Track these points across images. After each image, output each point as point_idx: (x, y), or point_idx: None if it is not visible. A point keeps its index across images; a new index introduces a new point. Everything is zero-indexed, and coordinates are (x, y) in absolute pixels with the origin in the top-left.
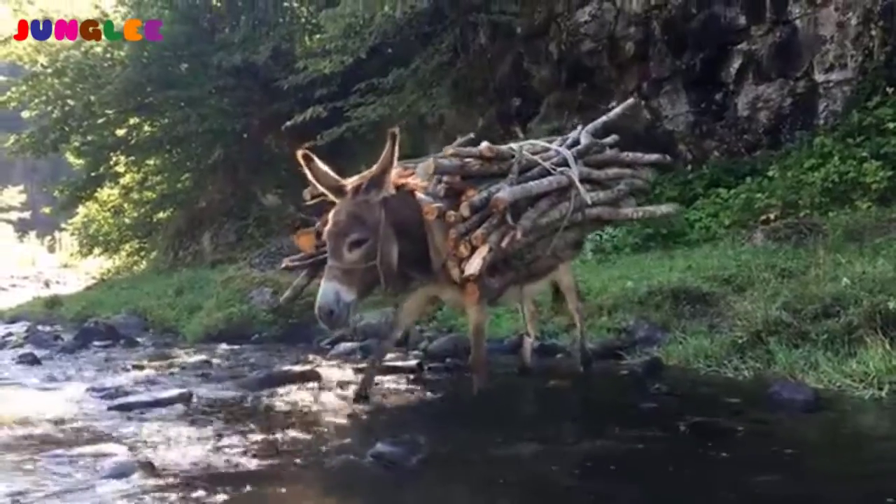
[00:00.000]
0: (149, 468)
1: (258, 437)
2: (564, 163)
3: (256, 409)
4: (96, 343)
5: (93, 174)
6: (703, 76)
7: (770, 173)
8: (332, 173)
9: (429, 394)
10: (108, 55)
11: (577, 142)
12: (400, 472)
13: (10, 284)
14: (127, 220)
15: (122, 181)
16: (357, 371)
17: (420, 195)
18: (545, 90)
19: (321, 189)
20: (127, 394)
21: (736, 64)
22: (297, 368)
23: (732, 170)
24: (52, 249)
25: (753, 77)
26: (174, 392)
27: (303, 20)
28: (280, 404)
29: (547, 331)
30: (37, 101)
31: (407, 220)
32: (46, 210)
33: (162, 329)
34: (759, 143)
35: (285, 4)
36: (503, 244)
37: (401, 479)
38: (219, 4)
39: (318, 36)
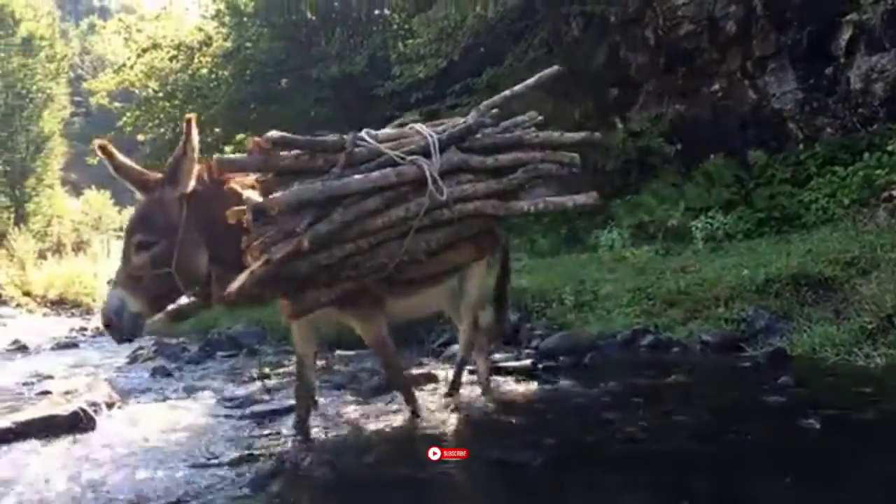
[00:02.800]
0: (285, 475)
1: (382, 441)
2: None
3: (379, 414)
4: (220, 353)
5: None
6: (811, 51)
7: (890, 147)
8: (135, 167)
9: (545, 394)
10: (214, 76)
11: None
12: (525, 473)
13: None
14: None
15: None
16: (470, 371)
17: (249, 194)
18: (643, 77)
19: (129, 186)
20: (256, 402)
21: (846, 35)
22: (414, 372)
23: (848, 146)
24: None
25: (866, 48)
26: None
27: (395, 27)
28: (400, 408)
29: (661, 324)
30: (150, 124)
31: (227, 222)
32: None
33: (279, 338)
34: (876, 116)
35: (376, 12)
36: (282, 255)
37: (526, 481)
38: (314, 19)
39: (410, 41)
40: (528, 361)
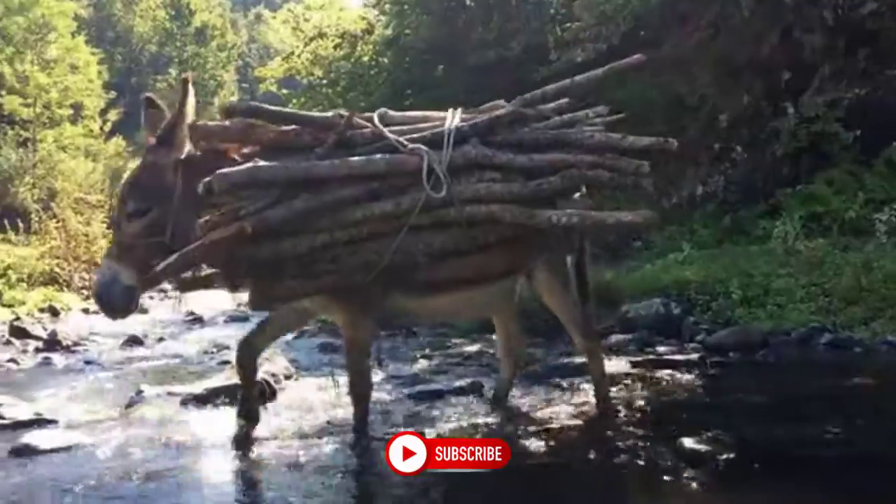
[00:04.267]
0: None
1: (549, 428)
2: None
3: (543, 400)
4: (381, 332)
5: None
6: None
7: None
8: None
9: (715, 389)
10: (374, 63)
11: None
12: (708, 471)
13: None
14: None
15: None
16: (633, 364)
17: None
18: (819, 60)
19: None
20: (422, 382)
21: None
22: (576, 360)
23: None
24: None
25: None
26: (465, 382)
27: (552, 11)
28: (565, 396)
29: (839, 323)
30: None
31: None
32: None
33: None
34: None
35: None
36: (219, 239)
37: (712, 480)
38: (472, 5)
39: (569, 25)
40: (695, 356)
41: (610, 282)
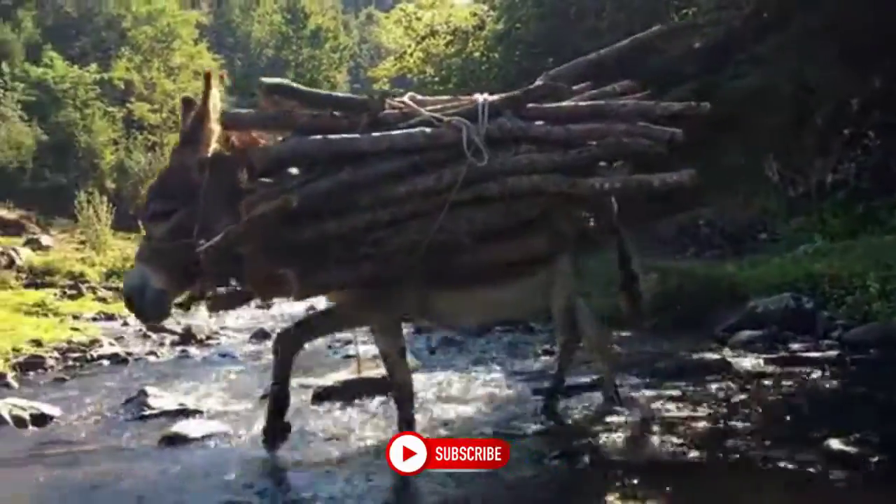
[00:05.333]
0: (592, 450)
1: (690, 426)
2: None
3: (678, 398)
4: (498, 328)
5: None
6: None
7: None
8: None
9: (858, 388)
10: (485, 58)
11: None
12: (859, 473)
13: None
14: None
15: None
16: (767, 362)
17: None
18: None
19: None
20: (548, 378)
21: None
22: (706, 357)
23: None
24: None
25: None
26: (589, 378)
27: None
28: (700, 394)
29: None
30: None
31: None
32: None
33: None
34: None
35: None
36: (263, 212)
37: (864, 482)
38: None
39: (685, 11)
40: (833, 353)
41: (734, 275)
